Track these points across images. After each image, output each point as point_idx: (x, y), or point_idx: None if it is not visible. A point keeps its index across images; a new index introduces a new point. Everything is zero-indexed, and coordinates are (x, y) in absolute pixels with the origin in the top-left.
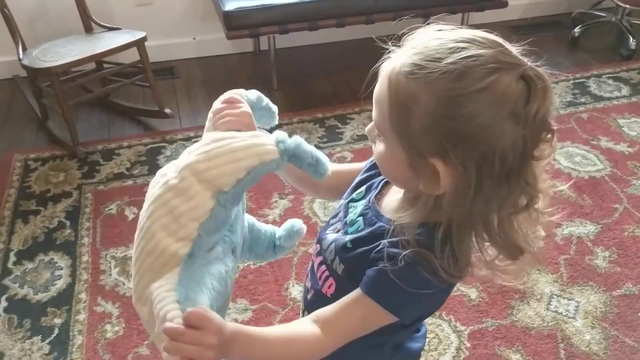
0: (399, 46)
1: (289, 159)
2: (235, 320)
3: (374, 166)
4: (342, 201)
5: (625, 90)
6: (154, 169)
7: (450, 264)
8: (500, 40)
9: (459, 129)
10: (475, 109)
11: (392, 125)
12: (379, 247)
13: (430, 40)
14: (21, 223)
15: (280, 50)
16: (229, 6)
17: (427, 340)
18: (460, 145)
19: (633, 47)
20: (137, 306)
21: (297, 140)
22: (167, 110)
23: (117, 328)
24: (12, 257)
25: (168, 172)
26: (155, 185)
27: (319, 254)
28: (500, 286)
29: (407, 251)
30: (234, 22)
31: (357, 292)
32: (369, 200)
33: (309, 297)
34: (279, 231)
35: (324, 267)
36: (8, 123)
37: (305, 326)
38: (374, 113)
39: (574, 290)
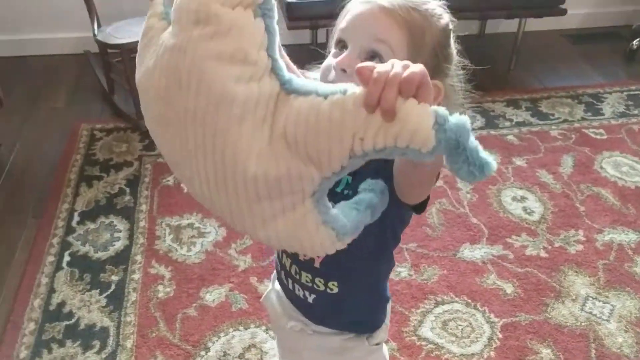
0: None
1: (445, 151)
2: None
3: None
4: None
5: None
6: None
7: None
8: None
9: (449, 53)
10: (450, 41)
11: (408, 49)
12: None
13: None
14: (85, 186)
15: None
16: None
17: (460, 328)
18: (448, 67)
19: None
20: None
21: (463, 121)
22: None
23: (168, 289)
24: (76, 217)
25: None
26: (162, 55)
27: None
28: (536, 283)
29: None
30: (296, 13)
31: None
32: None
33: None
34: None
35: None
36: (77, 95)
37: None
38: (369, 43)
39: (610, 294)
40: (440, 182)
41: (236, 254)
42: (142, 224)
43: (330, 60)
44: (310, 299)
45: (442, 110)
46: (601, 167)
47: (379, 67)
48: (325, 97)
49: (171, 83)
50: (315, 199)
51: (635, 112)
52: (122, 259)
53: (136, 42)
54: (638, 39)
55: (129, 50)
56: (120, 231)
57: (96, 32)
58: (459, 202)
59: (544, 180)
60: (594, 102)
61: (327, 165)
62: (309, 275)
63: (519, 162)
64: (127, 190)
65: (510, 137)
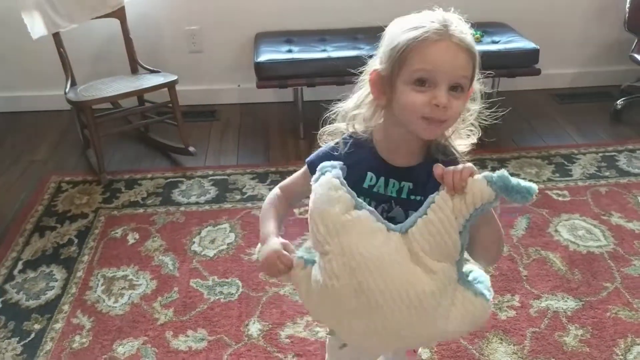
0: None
1: (502, 193)
2: (190, 349)
3: (351, 152)
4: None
5: None
6: (166, 201)
7: None
8: None
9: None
10: None
11: (472, 77)
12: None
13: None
14: (37, 236)
15: (311, 103)
16: (261, 58)
17: None
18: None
19: None
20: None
21: (501, 172)
22: (191, 149)
23: (84, 340)
24: (20, 266)
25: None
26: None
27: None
28: (455, 350)
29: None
30: (264, 73)
31: None
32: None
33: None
34: None
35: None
36: (58, 149)
37: None
38: (455, 79)
39: None
40: None
41: (160, 307)
42: (79, 274)
43: (414, 97)
44: None
45: (486, 173)
46: (555, 230)
47: (449, 169)
48: (426, 212)
49: (364, 275)
50: (459, 281)
51: (607, 173)
52: (50, 308)
53: (97, 99)
54: (623, 99)
55: (92, 108)
56: (56, 280)
57: (67, 90)
58: None
59: None
60: (565, 162)
61: (455, 250)
62: None
63: None
64: (75, 241)
65: None
